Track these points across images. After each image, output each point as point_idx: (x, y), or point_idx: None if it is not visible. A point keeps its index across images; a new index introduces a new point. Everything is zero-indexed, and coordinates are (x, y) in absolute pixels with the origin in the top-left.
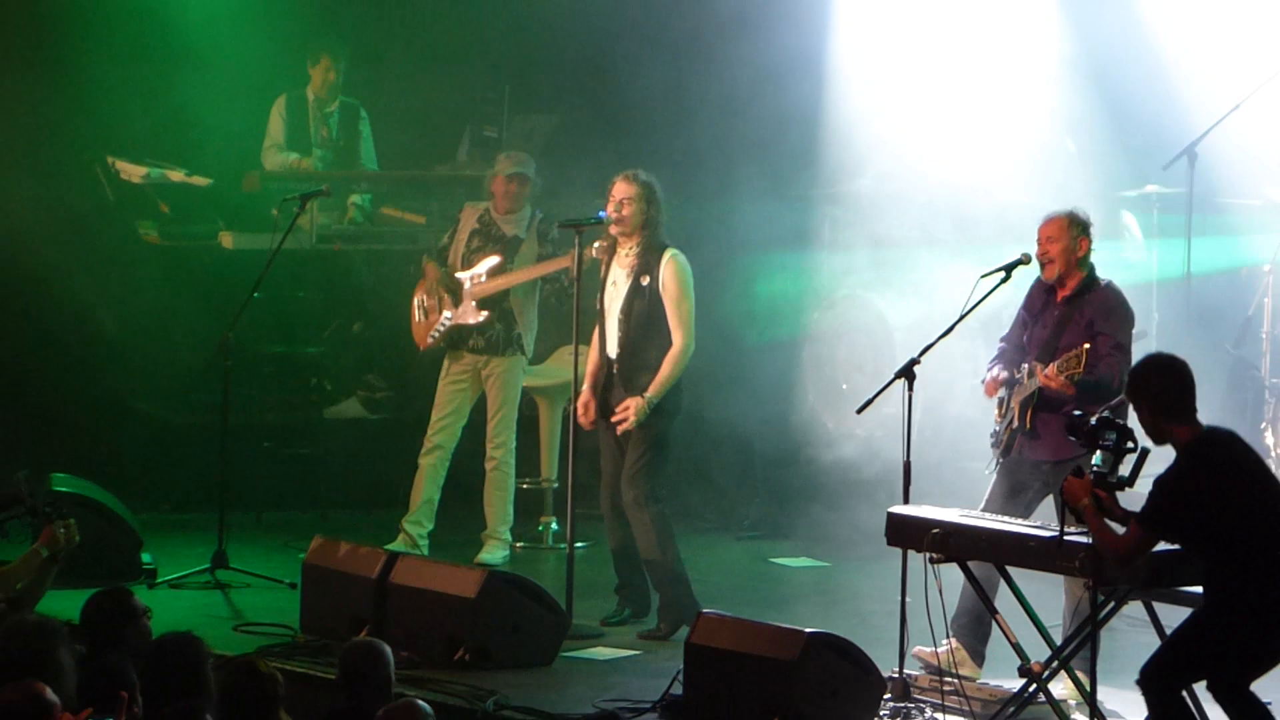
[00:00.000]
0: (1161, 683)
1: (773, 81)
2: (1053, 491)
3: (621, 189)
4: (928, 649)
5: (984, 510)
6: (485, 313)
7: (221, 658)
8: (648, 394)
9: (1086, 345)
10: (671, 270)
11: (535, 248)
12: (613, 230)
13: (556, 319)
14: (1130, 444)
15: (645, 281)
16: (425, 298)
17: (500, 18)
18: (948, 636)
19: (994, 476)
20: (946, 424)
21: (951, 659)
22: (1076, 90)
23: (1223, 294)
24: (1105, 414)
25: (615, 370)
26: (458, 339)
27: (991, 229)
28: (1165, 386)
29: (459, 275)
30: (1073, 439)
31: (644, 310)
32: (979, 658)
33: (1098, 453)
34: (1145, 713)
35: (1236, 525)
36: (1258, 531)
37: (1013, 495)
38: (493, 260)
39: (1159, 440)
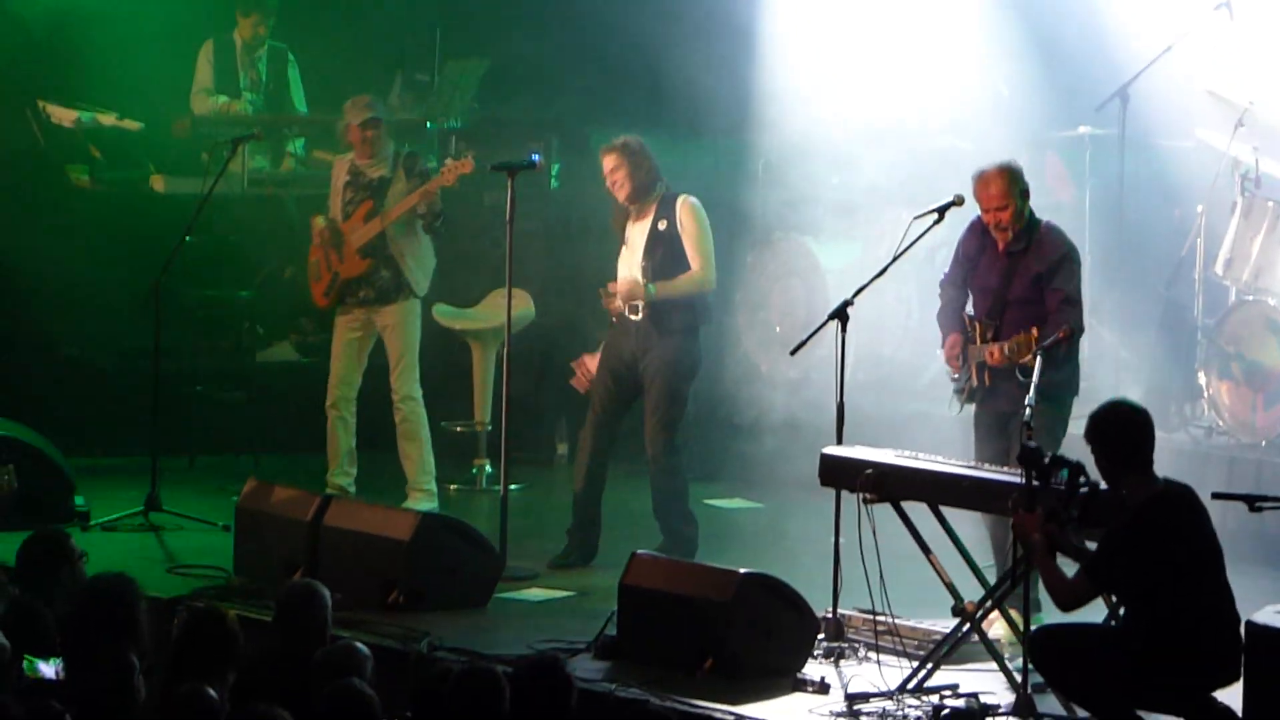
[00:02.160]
0: (1057, 657)
1: (704, 23)
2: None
3: (606, 163)
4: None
5: (976, 457)
6: (368, 261)
7: (154, 600)
8: (651, 285)
9: (1035, 331)
10: (688, 210)
11: (404, 184)
12: (620, 200)
13: (489, 261)
14: (1082, 480)
15: (663, 226)
16: (317, 255)
17: None
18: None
19: (975, 431)
20: (880, 365)
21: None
22: (1008, 31)
23: (1155, 236)
24: (1059, 454)
25: (644, 317)
26: (346, 292)
27: (924, 171)
28: (1123, 438)
29: (342, 227)
30: (1025, 468)
31: (666, 253)
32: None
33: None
34: None
35: (1170, 589)
36: (1189, 599)
37: (992, 439)
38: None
39: (1113, 485)
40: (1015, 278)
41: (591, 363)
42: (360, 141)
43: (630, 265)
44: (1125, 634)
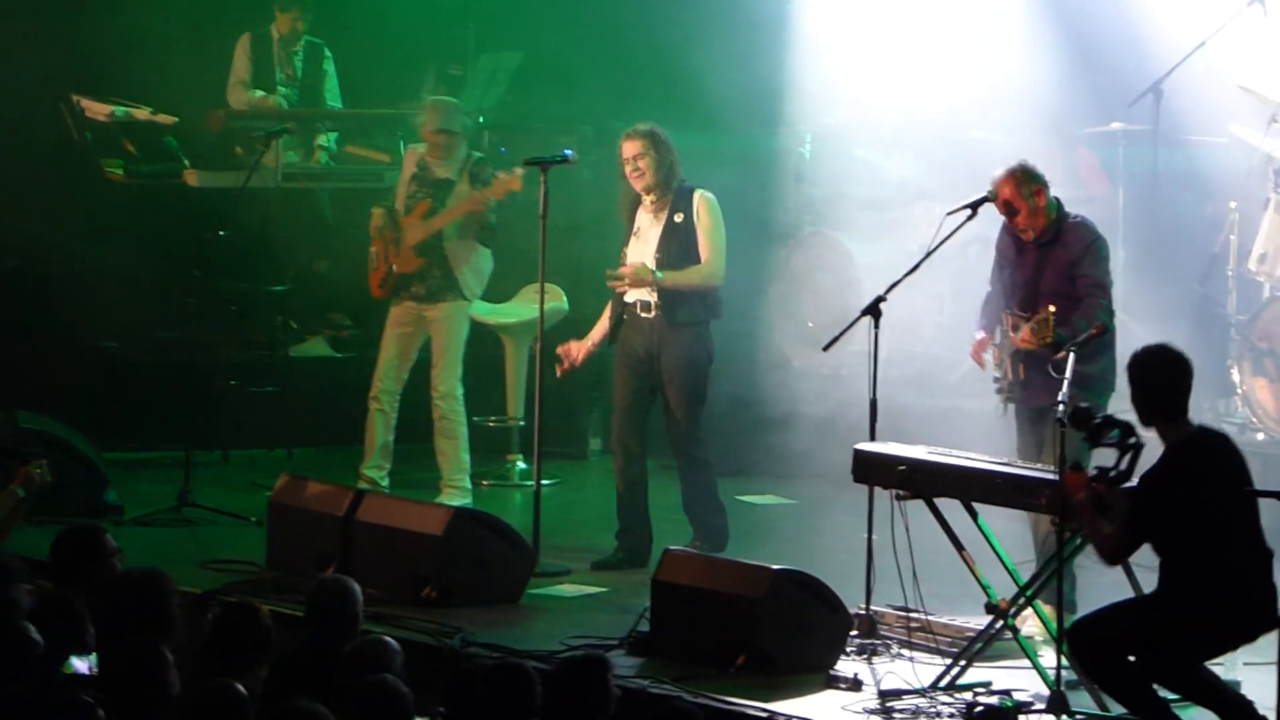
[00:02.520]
0: (1092, 647)
1: (741, 17)
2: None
3: (630, 148)
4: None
5: (1019, 453)
6: (422, 260)
7: (187, 594)
8: (659, 273)
9: (1053, 309)
10: (705, 203)
11: (467, 189)
12: (637, 188)
13: (522, 256)
14: (1133, 440)
15: (679, 219)
16: (377, 246)
17: None
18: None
19: (1016, 427)
20: (913, 361)
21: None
22: (1041, 27)
23: (1188, 232)
24: (1109, 413)
25: (656, 314)
26: (400, 286)
27: (958, 167)
28: (1162, 380)
29: (401, 221)
30: (1077, 433)
31: (681, 245)
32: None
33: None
34: None
35: (1204, 535)
36: (1221, 545)
37: (1030, 434)
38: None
39: (1148, 425)
40: (1046, 270)
41: (577, 349)
42: (432, 145)
43: (642, 256)
44: (1158, 591)
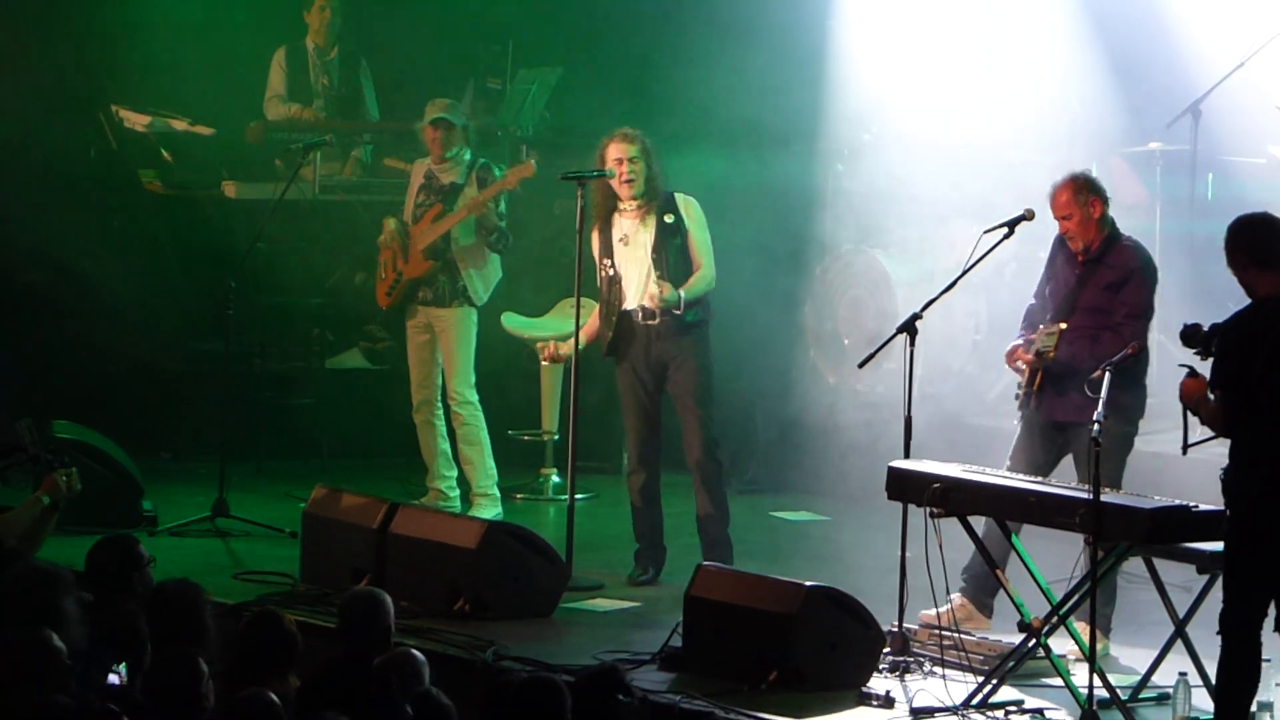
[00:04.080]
0: (1224, 624)
1: (777, 34)
2: (1072, 452)
3: (621, 149)
4: (930, 612)
5: (1010, 462)
6: (430, 263)
7: (221, 605)
8: (681, 291)
9: (1062, 325)
10: (692, 206)
11: (475, 193)
12: (622, 191)
13: (558, 270)
14: None
15: (670, 220)
16: (386, 255)
17: None
18: (948, 593)
19: (1018, 429)
20: (948, 379)
21: (953, 617)
22: (1080, 47)
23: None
24: (1216, 323)
25: (665, 319)
26: (410, 293)
27: (995, 186)
28: (1259, 236)
29: (411, 230)
30: (1188, 348)
31: (678, 247)
32: (987, 610)
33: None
34: (1146, 665)
35: (1261, 396)
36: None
37: (1033, 447)
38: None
39: (1251, 295)
40: (1088, 285)
41: (563, 347)
42: (431, 142)
43: (635, 261)
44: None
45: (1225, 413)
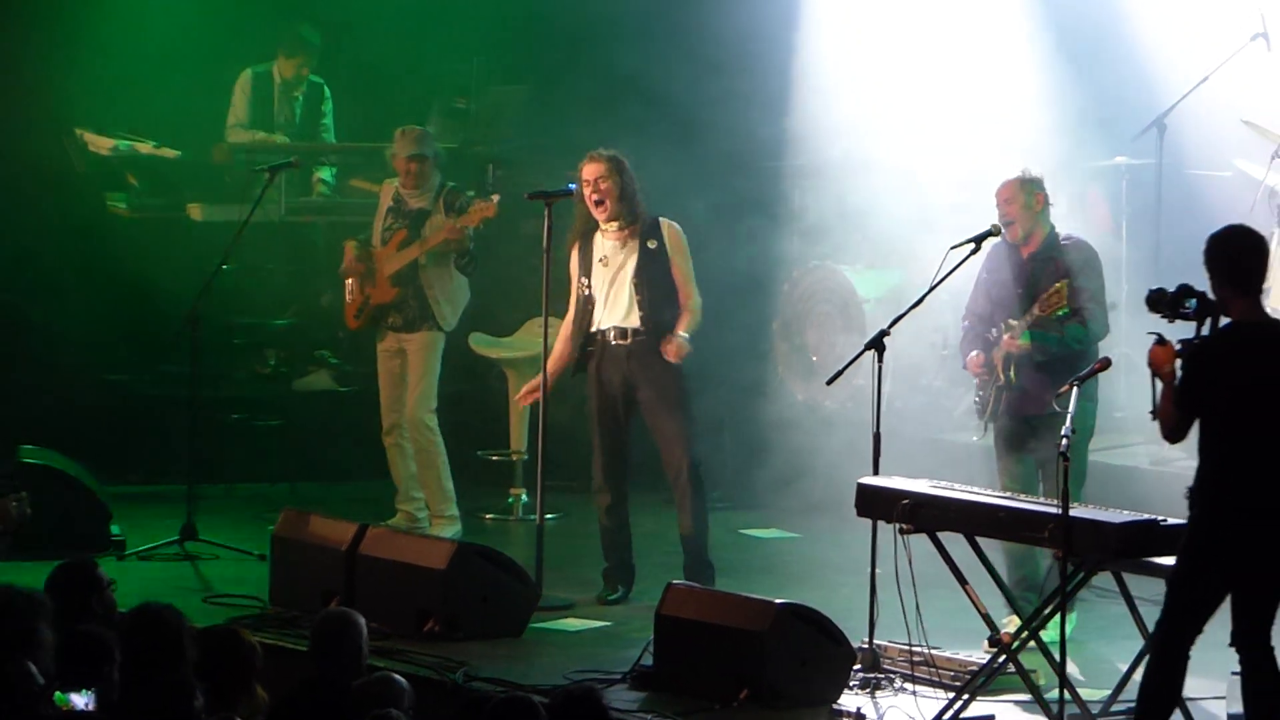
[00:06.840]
0: (1158, 632)
1: (743, 52)
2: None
3: (592, 169)
4: (1008, 630)
5: (999, 475)
6: (397, 289)
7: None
8: (680, 331)
9: (1063, 284)
10: (675, 232)
11: (442, 219)
12: (596, 213)
13: (525, 289)
14: (1209, 310)
15: (653, 245)
16: (351, 279)
17: None
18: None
19: (996, 446)
20: (916, 395)
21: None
22: (1045, 60)
23: (1192, 266)
24: (1185, 284)
25: (639, 339)
26: (378, 317)
27: (961, 200)
28: (1233, 257)
29: (375, 253)
30: (1154, 313)
31: (660, 273)
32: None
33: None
34: (1117, 679)
35: (1222, 421)
36: (1225, 438)
37: (1018, 454)
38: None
39: (1225, 312)
40: (1042, 279)
41: (537, 383)
42: (405, 173)
43: (614, 283)
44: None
45: (1172, 425)
